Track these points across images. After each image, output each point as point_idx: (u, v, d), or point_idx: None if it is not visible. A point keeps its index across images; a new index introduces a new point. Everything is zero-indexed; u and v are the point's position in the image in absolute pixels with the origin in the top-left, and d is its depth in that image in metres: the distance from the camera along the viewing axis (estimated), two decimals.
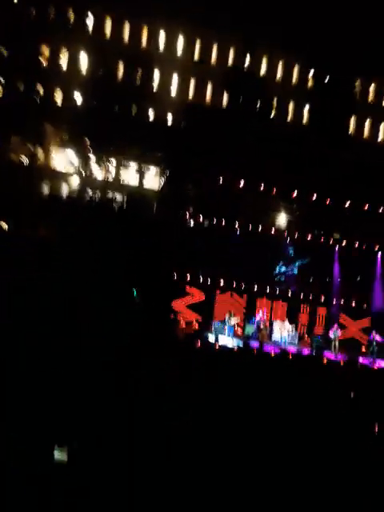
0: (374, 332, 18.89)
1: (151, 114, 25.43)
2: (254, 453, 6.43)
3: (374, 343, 18.50)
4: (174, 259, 19.61)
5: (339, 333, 18.97)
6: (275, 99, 26.90)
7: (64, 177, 22.28)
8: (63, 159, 22.85)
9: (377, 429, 9.59)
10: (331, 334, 18.83)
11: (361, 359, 18.08)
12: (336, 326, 19.15)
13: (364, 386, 13.93)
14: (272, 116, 27.97)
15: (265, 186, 21.34)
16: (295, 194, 21.42)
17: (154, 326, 15.51)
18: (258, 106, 27.59)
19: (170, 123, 25.98)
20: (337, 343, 18.67)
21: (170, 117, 25.66)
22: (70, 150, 22.16)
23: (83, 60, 26.51)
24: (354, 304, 21.03)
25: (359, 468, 6.68)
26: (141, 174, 23.24)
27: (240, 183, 21.09)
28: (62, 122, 20.95)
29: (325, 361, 17.14)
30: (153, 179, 23.41)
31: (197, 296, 19.53)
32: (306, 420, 8.45)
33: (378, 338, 18.56)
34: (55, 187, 21.72)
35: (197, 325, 19.14)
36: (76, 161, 22.06)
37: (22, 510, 4.94)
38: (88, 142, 21.07)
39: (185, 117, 25.75)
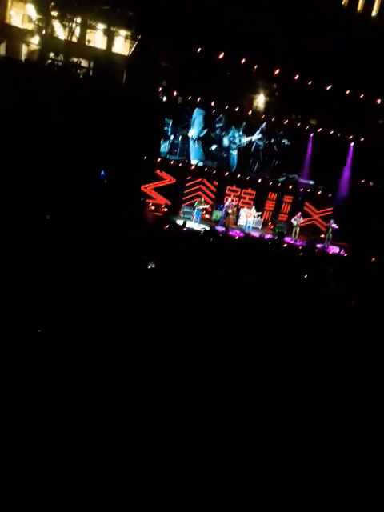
0: (331, 220, 19.92)
1: None
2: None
3: (330, 230, 19.74)
4: (145, 137, 18.68)
5: (301, 220, 19.86)
6: None
7: (22, 36, 19.56)
8: (22, 15, 19.76)
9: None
10: (294, 221, 19.74)
11: (318, 245, 19.25)
12: (299, 213, 19.92)
13: (316, 268, 14.97)
14: None
15: (246, 61, 19.73)
16: (277, 72, 20.03)
17: (122, 208, 15.39)
18: None
19: None
20: (297, 230, 19.71)
21: None
22: (29, 4, 19.09)
23: None
24: (319, 193, 21.35)
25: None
26: (109, 36, 20.72)
27: (219, 55, 19.33)
28: None
29: (284, 245, 18.04)
30: (123, 44, 21.01)
31: (167, 180, 19.12)
32: (260, 298, 9.03)
33: (334, 225, 19.73)
34: (12, 47, 19.23)
35: (166, 209, 19.10)
36: (36, 17, 19.20)
37: None
38: None
39: None
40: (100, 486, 3.75)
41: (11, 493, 3.64)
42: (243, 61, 19.55)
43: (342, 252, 19.53)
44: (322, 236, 20.59)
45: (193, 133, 19.90)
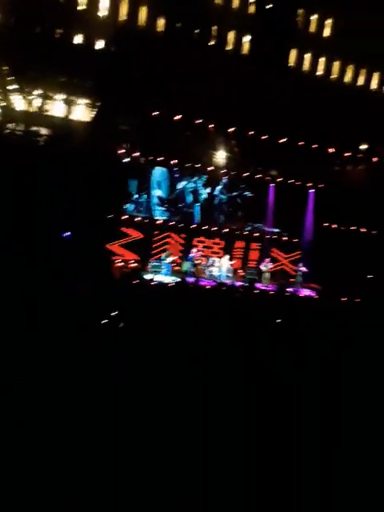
0: (300, 264, 20.47)
1: (79, 37, 23.17)
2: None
3: (299, 274, 20.26)
4: (109, 197, 18.91)
5: (270, 265, 20.19)
6: (215, 27, 25.43)
7: None
8: None
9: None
10: (263, 267, 20.07)
11: (288, 289, 19.37)
12: (268, 259, 20.23)
13: (288, 311, 14.99)
14: (210, 44, 26.62)
15: (202, 121, 20.65)
16: (232, 130, 20.98)
17: (89, 267, 15.17)
18: (196, 32, 26.09)
19: (100, 47, 23.91)
20: (267, 275, 19.96)
21: (100, 42, 23.56)
22: None
23: None
24: (285, 238, 21.73)
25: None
26: (69, 105, 21.52)
27: (176, 116, 20.18)
28: None
29: (255, 291, 17.99)
30: (83, 111, 21.81)
31: (133, 235, 19.16)
32: (235, 342, 9.12)
33: (303, 269, 20.22)
34: None
35: (134, 264, 18.95)
36: None
37: None
38: (7, 69, 18.99)
39: (116, 41, 23.83)
40: (100, 485, 3.61)
41: (12, 492, 3.53)
42: (199, 121, 20.50)
43: (313, 294, 19.64)
44: (292, 280, 20.73)
45: (156, 191, 20.32)
